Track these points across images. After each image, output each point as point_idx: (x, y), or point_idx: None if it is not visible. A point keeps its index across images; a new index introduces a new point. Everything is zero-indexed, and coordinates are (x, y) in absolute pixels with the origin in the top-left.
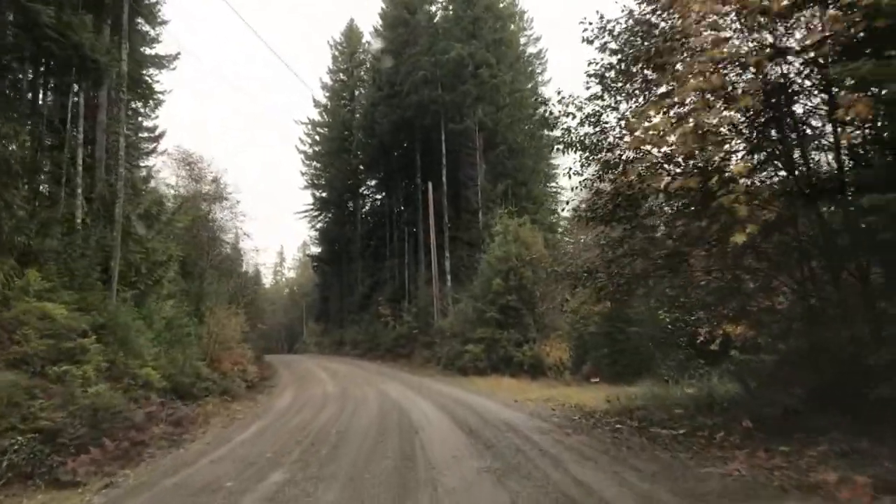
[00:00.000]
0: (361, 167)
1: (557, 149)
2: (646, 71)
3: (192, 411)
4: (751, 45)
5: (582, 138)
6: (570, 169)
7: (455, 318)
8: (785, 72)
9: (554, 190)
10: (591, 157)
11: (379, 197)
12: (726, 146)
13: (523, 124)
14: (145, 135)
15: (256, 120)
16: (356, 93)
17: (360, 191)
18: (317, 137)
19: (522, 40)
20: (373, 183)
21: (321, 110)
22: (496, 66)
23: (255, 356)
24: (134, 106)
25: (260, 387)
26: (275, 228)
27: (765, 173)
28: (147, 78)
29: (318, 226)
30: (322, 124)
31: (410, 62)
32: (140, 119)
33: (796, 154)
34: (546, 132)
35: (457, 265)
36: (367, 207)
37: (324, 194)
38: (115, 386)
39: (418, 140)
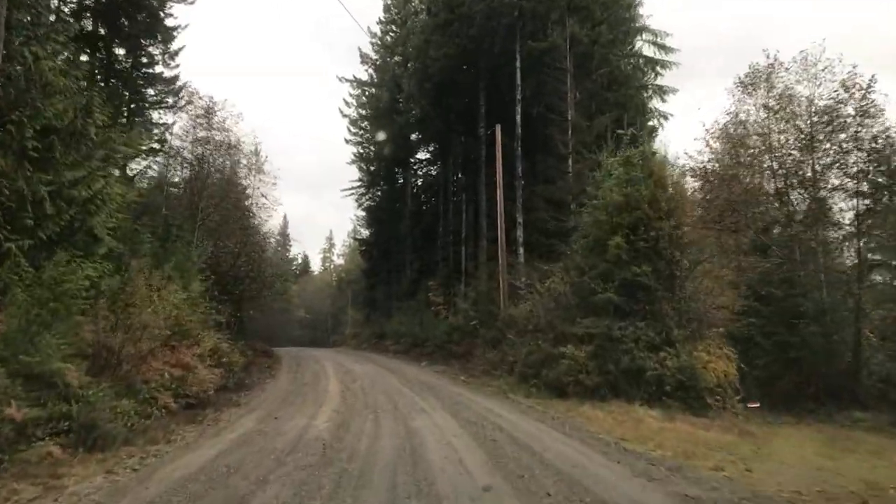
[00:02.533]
0: (413, 137)
1: None
2: None
3: None
4: None
5: None
6: None
7: (537, 303)
8: None
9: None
10: None
11: (432, 169)
12: None
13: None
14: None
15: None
16: (409, 47)
17: (411, 162)
18: (364, 99)
19: None
20: (423, 157)
21: (368, 66)
22: None
23: (241, 353)
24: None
25: (214, 405)
26: (324, 211)
27: None
28: None
29: (366, 205)
30: (370, 83)
31: None
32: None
33: None
34: None
35: (533, 234)
36: (418, 182)
37: (371, 168)
38: None
39: (483, 75)
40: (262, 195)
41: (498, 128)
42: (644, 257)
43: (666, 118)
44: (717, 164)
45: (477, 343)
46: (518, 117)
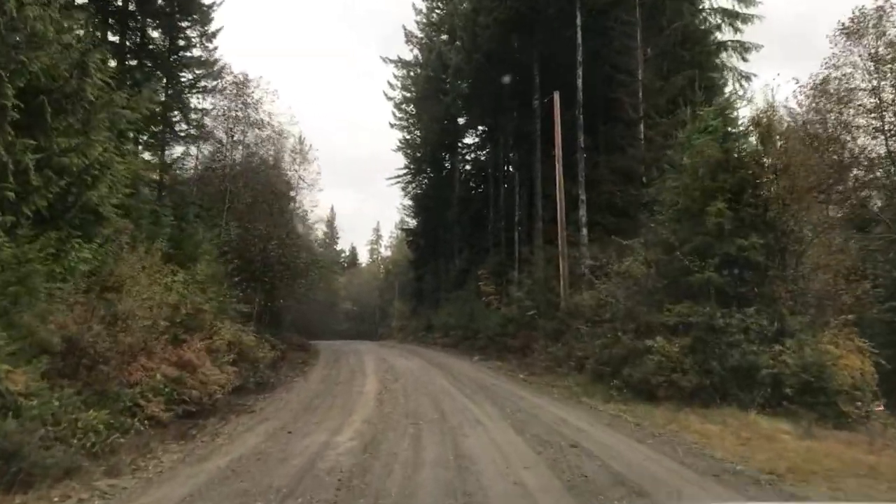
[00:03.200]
0: (460, 120)
1: None
2: None
3: None
4: None
5: None
6: None
7: (613, 287)
8: None
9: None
10: None
11: (481, 154)
12: None
13: None
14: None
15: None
16: (456, 19)
17: (458, 146)
18: (409, 81)
19: None
20: (471, 141)
21: (413, 46)
22: None
23: (272, 346)
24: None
25: (221, 412)
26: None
27: None
28: None
29: (412, 193)
30: (415, 63)
31: None
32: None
33: None
34: None
35: (597, 213)
36: (466, 167)
37: (417, 154)
38: None
39: (537, 42)
40: (301, 178)
41: (556, 95)
42: (751, 227)
43: (749, 79)
44: (816, 125)
45: (535, 335)
46: (579, 81)
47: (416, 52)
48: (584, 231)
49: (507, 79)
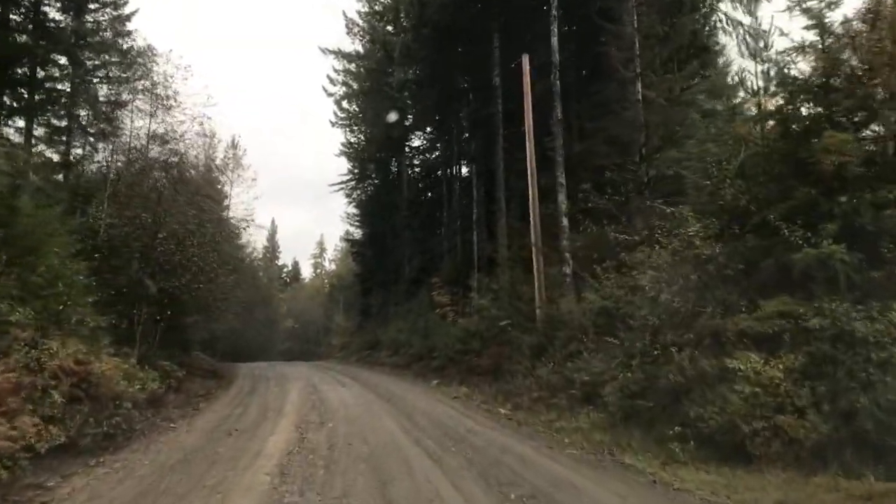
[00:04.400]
0: (407, 113)
1: None
2: None
3: None
4: None
5: None
6: None
7: (656, 279)
8: None
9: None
10: None
11: (431, 155)
12: None
13: None
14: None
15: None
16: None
17: (405, 147)
18: (350, 77)
19: None
20: (419, 143)
21: (355, 38)
22: None
23: (165, 373)
24: None
25: None
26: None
27: None
28: None
29: (358, 198)
30: (357, 56)
31: None
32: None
33: None
34: None
35: (583, 196)
36: (415, 167)
37: (362, 156)
38: None
39: (497, 5)
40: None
41: (525, 58)
42: (891, 171)
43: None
44: None
45: (506, 352)
46: (554, 40)
47: (357, 45)
48: (565, 222)
49: (461, 50)
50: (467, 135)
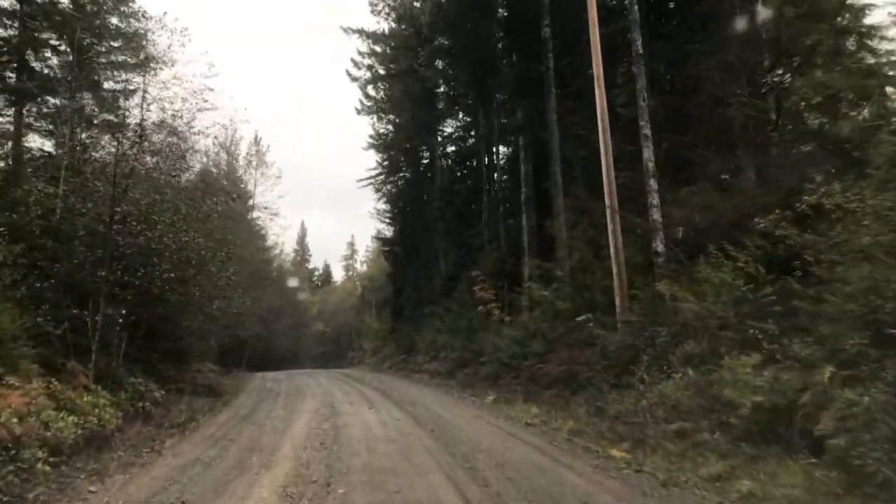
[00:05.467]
0: (438, 90)
1: None
2: None
3: None
4: None
5: None
6: None
7: None
8: None
9: None
10: None
11: (467, 136)
12: None
13: None
14: None
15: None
16: None
17: (438, 128)
18: (375, 59)
19: None
20: (451, 131)
21: (380, 17)
22: None
23: (138, 395)
24: None
25: None
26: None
27: None
28: None
29: (387, 192)
30: (383, 35)
31: None
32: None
33: None
34: None
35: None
36: (448, 150)
37: (390, 151)
38: None
39: None
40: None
41: None
42: None
43: None
44: None
45: (580, 355)
46: None
47: (383, 24)
48: (653, 184)
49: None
50: (508, 106)
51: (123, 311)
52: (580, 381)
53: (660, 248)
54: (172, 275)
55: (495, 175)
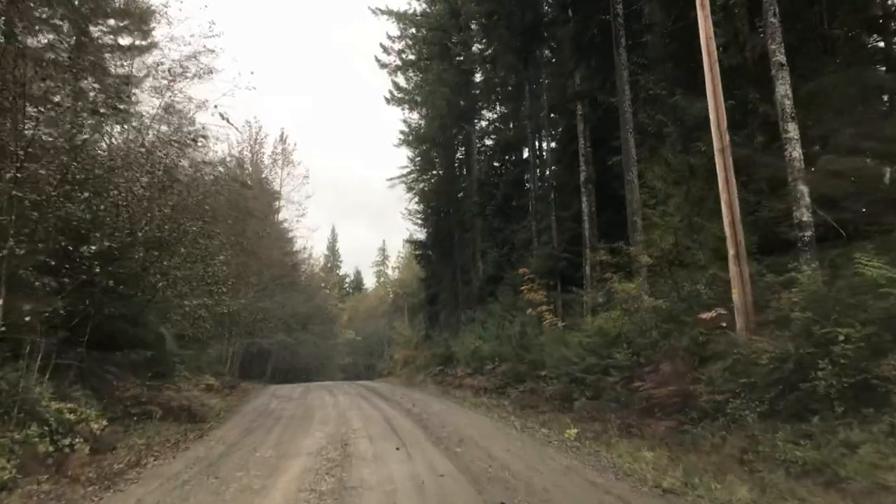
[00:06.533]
0: (475, 87)
1: None
2: None
3: None
4: None
5: None
6: None
7: None
8: None
9: None
10: None
11: (507, 125)
12: None
13: None
14: None
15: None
16: None
17: (474, 116)
18: (405, 44)
19: None
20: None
21: None
22: None
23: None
24: None
25: None
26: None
27: None
28: None
29: (420, 189)
30: (415, 15)
31: None
32: None
33: None
34: None
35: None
36: (486, 148)
37: (422, 145)
38: None
39: None
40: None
41: None
42: None
43: None
44: None
45: (685, 371)
46: None
47: (414, 4)
48: (791, 129)
49: None
50: (563, 71)
51: (52, 308)
52: (703, 408)
53: (804, 216)
54: (116, 255)
55: (544, 156)
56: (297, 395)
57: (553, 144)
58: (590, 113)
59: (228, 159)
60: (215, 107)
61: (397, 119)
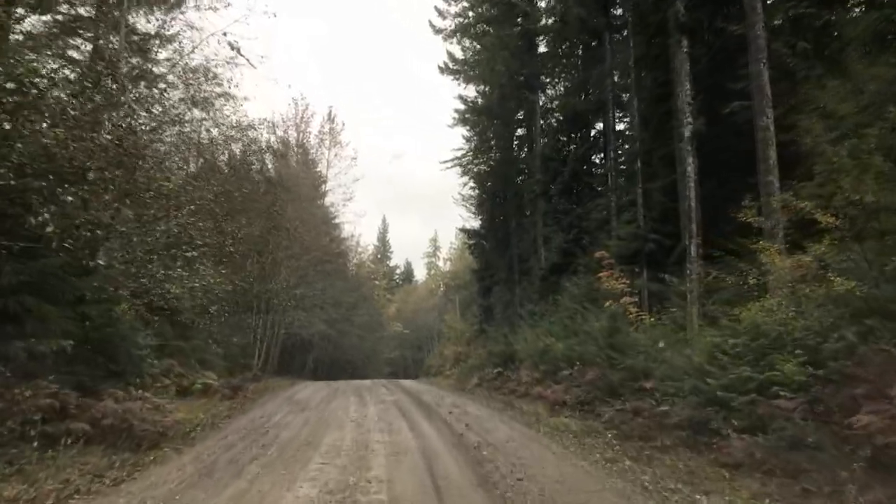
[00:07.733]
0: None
1: None
2: None
3: None
4: None
5: None
6: None
7: None
8: None
9: None
10: None
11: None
12: None
13: None
14: None
15: None
16: None
17: (538, 88)
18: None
19: None
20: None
21: None
22: None
23: None
24: None
25: None
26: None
27: None
28: None
29: (476, 170)
30: None
31: None
32: None
33: None
34: None
35: None
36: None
37: (480, 104)
38: None
39: None
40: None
41: None
42: None
43: None
44: None
45: None
46: None
47: None
48: None
49: None
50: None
51: None
52: None
53: None
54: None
55: (626, 119)
56: (318, 402)
57: (637, 106)
58: (701, 51)
59: (273, 140)
60: (224, 34)
61: (451, 107)
